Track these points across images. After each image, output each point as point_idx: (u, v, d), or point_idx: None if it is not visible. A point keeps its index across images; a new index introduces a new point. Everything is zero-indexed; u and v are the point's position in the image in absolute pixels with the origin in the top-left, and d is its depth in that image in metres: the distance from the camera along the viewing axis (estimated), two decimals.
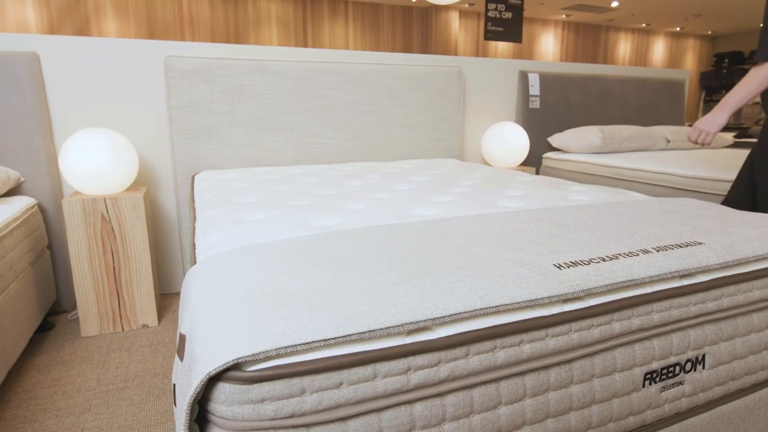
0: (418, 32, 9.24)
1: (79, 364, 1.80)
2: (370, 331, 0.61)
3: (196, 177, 2.18)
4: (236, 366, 0.57)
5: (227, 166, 2.40)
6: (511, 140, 2.76)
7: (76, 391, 1.62)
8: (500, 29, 4.57)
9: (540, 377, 0.72)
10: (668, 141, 2.96)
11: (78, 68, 2.16)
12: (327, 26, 8.84)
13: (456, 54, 9.01)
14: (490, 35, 4.52)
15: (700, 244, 0.93)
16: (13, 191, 2.07)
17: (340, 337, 0.59)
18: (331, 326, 0.60)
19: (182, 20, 8.19)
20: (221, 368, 0.55)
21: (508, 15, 4.59)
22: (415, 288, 0.70)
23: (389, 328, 0.62)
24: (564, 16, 8.81)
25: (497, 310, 0.68)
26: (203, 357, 0.57)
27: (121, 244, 2.00)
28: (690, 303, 0.85)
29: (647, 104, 3.37)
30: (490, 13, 4.49)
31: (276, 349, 0.56)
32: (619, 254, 0.86)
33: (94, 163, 1.92)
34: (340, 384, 0.59)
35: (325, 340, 0.58)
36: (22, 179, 2.07)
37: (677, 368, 0.85)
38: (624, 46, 9.94)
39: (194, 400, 0.55)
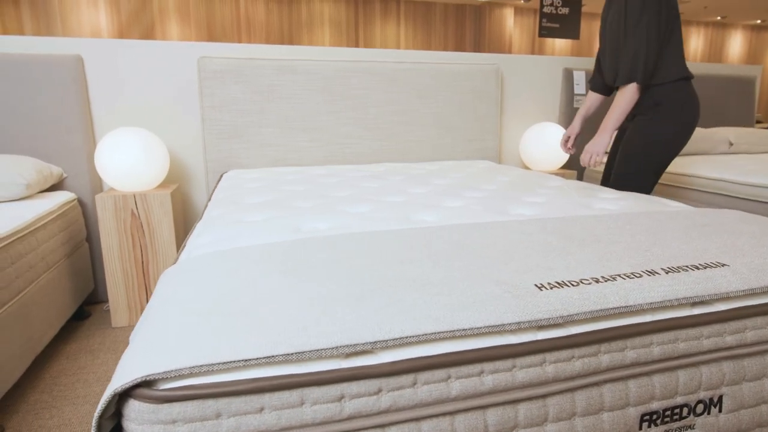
0: (471, 31, 9.06)
1: (105, 354, 1.87)
2: (298, 353, 0.55)
3: (224, 175, 2.22)
4: (150, 383, 0.53)
5: (257, 165, 2.42)
6: (551, 142, 2.60)
7: (97, 380, 1.68)
8: (556, 26, 4.38)
9: (506, 413, 0.63)
10: (731, 144, 2.68)
11: (119, 70, 2.25)
12: (378, 26, 8.85)
13: (510, 52, 8.74)
14: (544, 32, 4.33)
15: (723, 265, 0.80)
16: (57, 186, 2.19)
17: (263, 358, 0.54)
18: (254, 345, 0.55)
19: (239, 22, 8.49)
20: (128, 385, 0.51)
21: (565, 10, 4.39)
22: (367, 305, 0.64)
23: (321, 350, 0.56)
24: None
25: (453, 335, 0.61)
26: (119, 370, 0.54)
27: (150, 239, 2.07)
28: (702, 335, 0.72)
29: (710, 104, 3.08)
30: (545, 9, 4.30)
31: (190, 368, 0.52)
32: (619, 275, 0.75)
33: (125, 161, 1.99)
34: (262, 409, 0.54)
35: (246, 360, 0.54)
36: (65, 175, 2.18)
37: (685, 410, 0.73)
38: (696, 41, 9.21)
39: (101, 415, 0.52)
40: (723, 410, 0.75)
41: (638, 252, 0.86)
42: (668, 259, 0.83)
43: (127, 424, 0.53)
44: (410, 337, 0.59)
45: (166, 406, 0.52)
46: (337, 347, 0.56)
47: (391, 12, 8.83)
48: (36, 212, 1.75)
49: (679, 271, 0.77)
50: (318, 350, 0.56)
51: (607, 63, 1.76)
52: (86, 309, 2.25)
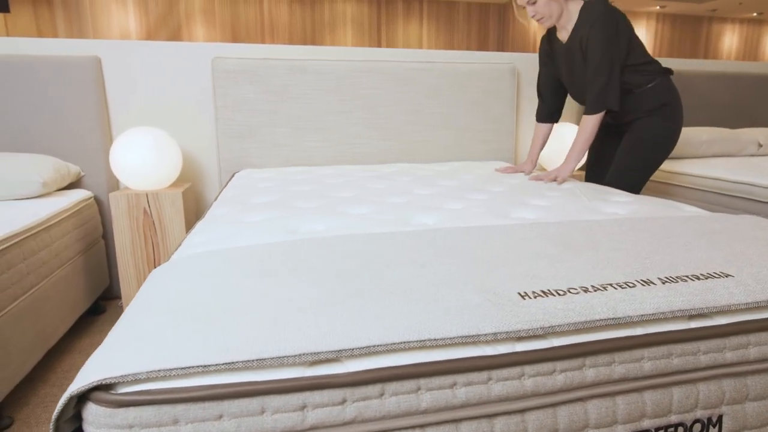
0: (495, 30, 8.94)
1: None
2: (259, 359, 0.54)
3: (235, 175, 2.23)
4: (110, 386, 0.53)
5: (268, 165, 2.43)
6: (568, 143, 2.53)
7: None
8: None
9: (480, 427, 0.60)
10: (760, 146, 2.55)
11: (136, 70, 2.29)
12: (401, 26, 8.82)
13: (535, 51, 8.59)
14: None
15: (727, 276, 0.75)
16: (75, 184, 2.24)
17: (223, 364, 0.53)
18: (214, 351, 0.54)
19: (263, 24, 8.57)
20: (84, 388, 0.51)
21: None
22: (336, 311, 0.62)
23: (283, 357, 0.54)
24: (658, 7, 8.06)
25: (423, 345, 0.58)
26: (81, 372, 0.54)
27: (161, 237, 2.10)
28: (699, 351, 0.68)
29: (739, 103, 2.94)
30: None
31: (147, 372, 0.52)
32: (611, 284, 0.71)
33: (137, 160, 2.03)
34: (221, 416, 0.53)
35: (205, 366, 0.53)
36: (83, 173, 2.24)
37: (680, 429, 0.69)
38: (730, 39, 8.86)
39: (57, 417, 0.51)
40: (723, 430, 0.71)
41: (637, 260, 0.82)
42: (667, 268, 0.78)
43: (86, 427, 0.53)
44: (377, 346, 0.57)
45: (122, 410, 0.51)
46: (299, 355, 0.55)
47: (413, 12, 8.78)
48: (50, 210, 1.79)
49: (677, 281, 0.73)
50: (280, 357, 0.54)
51: (576, 91, 1.87)
52: (102, 304, 2.30)
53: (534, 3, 1.68)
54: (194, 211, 2.44)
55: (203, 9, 8.31)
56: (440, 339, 0.58)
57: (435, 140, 2.58)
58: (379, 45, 8.93)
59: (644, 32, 8.62)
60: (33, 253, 1.62)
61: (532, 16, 1.72)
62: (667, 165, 2.38)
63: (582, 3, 1.71)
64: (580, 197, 1.50)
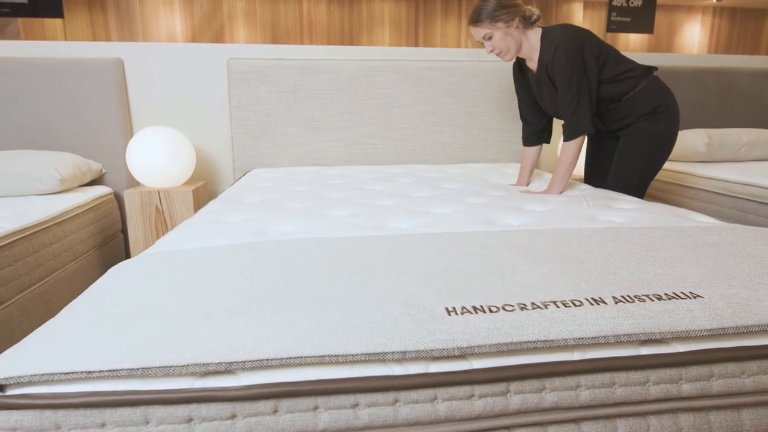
0: None
1: None
2: (143, 368, 0.52)
3: (246, 174, 2.26)
4: (2, 387, 0.53)
5: (281, 164, 2.44)
6: None
7: None
8: (627, 19, 4.13)
9: None
10: None
11: (155, 71, 2.36)
12: (439, 26, 8.74)
13: None
14: (614, 27, 4.11)
15: (695, 297, 0.67)
16: (97, 181, 2.33)
17: (106, 371, 0.52)
18: (98, 358, 0.53)
19: (302, 25, 8.71)
20: None
21: (638, 3, 4.11)
22: (235, 321, 0.59)
23: (169, 367, 0.52)
24: (715, 0, 7.55)
25: (321, 361, 0.55)
26: None
27: None
28: (648, 381, 0.61)
29: None
30: (614, 2, 4.05)
31: (30, 376, 0.51)
32: (555, 301, 0.65)
33: (150, 159, 2.09)
34: (103, 425, 0.52)
35: (88, 372, 0.51)
36: (104, 171, 2.33)
37: None
38: None
39: None
40: None
41: (599, 275, 0.75)
42: (630, 285, 0.71)
43: None
44: (271, 359, 0.54)
45: (4, 413, 0.51)
46: (186, 365, 0.53)
47: (452, 10, 8.67)
48: (65, 205, 1.87)
49: (633, 301, 0.65)
50: (165, 367, 0.52)
51: (556, 115, 1.78)
52: None
53: (490, 38, 1.59)
54: None
55: (245, 11, 8.54)
56: (341, 355, 0.55)
57: (452, 141, 2.51)
58: (416, 45, 8.88)
59: (699, 28, 8.10)
60: (43, 246, 1.69)
61: (490, 51, 1.63)
62: (698, 168, 2.21)
63: (541, 31, 1.63)
64: (582, 203, 1.40)
